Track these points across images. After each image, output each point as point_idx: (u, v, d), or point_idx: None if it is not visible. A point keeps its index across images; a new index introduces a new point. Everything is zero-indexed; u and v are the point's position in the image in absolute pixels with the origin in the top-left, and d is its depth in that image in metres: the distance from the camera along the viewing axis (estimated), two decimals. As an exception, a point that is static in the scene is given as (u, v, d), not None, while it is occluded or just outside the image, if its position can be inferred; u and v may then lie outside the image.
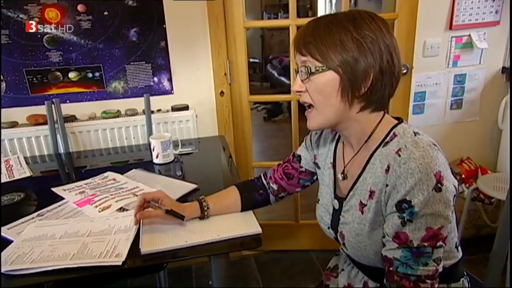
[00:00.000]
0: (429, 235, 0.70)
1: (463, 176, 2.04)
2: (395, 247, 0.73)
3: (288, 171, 1.05)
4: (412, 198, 0.69)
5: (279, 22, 5.04)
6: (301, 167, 1.04)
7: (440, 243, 0.71)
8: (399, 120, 0.83)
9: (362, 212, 0.81)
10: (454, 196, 0.72)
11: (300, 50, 0.78)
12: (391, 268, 0.74)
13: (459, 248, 0.86)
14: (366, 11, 0.78)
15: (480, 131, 2.09)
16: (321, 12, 6.54)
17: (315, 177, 1.04)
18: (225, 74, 1.86)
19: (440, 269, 0.73)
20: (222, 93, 1.89)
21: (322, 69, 0.76)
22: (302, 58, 0.78)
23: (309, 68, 0.77)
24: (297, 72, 0.81)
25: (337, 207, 0.90)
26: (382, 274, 0.82)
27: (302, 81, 0.80)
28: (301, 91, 0.81)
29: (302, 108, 0.88)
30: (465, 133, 2.07)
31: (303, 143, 1.06)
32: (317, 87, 0.78)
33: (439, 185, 0.68)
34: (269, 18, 7.04)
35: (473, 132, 2.08)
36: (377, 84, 0.76)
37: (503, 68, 1.96)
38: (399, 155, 0.73)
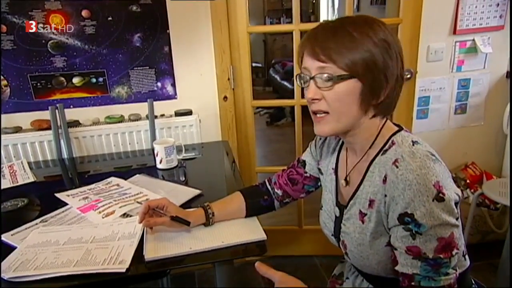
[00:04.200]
0: (441, 244, 0.68)
1: (468, 181, 2.03)
2: (411, 261, 0.70)
3: (292, 176, 1.05)
4: (414, 211, 0.68)
5: (283, 27, 5.06)
6: (306, 172, 1.03)
7: (455, 250, 0.69)
8: (399, 128, 0.82)
9: (363, 222, 0.80)
10: (457, 203, 0.71)
11: (317, 55, 0.73)
12: (412, 283, 0.71)
13: (467, 256, 0.84)
14: (370, 16, 0.76)
15: (484, 136, 2.07)
16: (323, 17, 6.55)
17: (319, 183, 1.03)
18: (229, 79, 1.86)
19: (457, 274, 0.72)
20: (225, 98, 1.89)
21: (346, 76, 0.72)
22: (319, 64, 0.73)
23: (332, 76, 0.72)
24: (311, 78, 0.75)
25: (338, 214, 0.89)
26: (387, 283, 0.80)
27: (319, 88, 0.74)
28: (316, 99, 0.76)
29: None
30: (469, 138, 2.06)
31: (308, 149, 1.05)
32: (338, 95, 0.73)
33: (440, 195, 0.67)
34: (271, 23, 7.06)
35: (478, 137, 2.07)
36: (393, 92, 0.76)
37: (508, 72, 1.95)
38: (396, 166, 0.71)
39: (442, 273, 0.69)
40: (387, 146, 0.78)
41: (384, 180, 0.74)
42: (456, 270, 0.71)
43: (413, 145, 0.75)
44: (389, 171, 0.73)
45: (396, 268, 0.73)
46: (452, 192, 0.69)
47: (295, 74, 1.91)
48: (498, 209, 2.03)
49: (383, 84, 0.74)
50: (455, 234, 0.69)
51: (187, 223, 0.94)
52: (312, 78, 0.75)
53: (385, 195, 0.73)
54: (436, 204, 0.67)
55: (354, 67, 0.71)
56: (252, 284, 1.99)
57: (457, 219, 0.70)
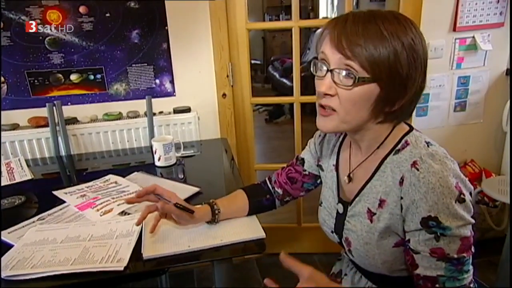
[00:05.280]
0: (464, 243, 0.68)
1: (467, 179, 2.02)
2: (436, 263, 0.69)
3: (291, 175, 1.04)
4: (438, 214, 0.67)
5: (283, 24, 5.04)
6: (305, 170, 1.03)
7: (472, 248, 0.70)
8: (410, 127, 0.80)
9: (371, 221, 0.79)
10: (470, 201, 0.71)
11: (342, 48, 0.67)
12: (436, 285, 0.70)
13: None
14: (400, 13, 0.71)
15: (484, 133, 2.07)
16: (323, 13, 6.52)
17: (318, 181, 1.03)
18: (227, 76, 1.85)
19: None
20: (224, 95, 1.88)
21: (368, 80, 0.67)
22: (342, 58, 0.68)
23: (354, 75, 0.67)
24: (329, 70, 0.70)
25: (341, 211, 0.88)
26: (386, 280, 0.80)
27: (335, 83, 0.70)
28: (329, 94, 0.71)
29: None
30: (469, 135, 2.06)
31: (307, 146, 1.04)
32: (353, 97, 0.69)
33: (461, 196, 0.67)
34: (270, 20, 7.03)
35: (477, 134, 2.06)
36: (409, 103, 0.72)
37: (507, 70, 1.94)
38: (417, 169, 0.69)
39: (465, 271, 0.69)
40: (399, 146, 0.76)
41: (401, 182, 0.72)
42: (472, 266, 0.71)
43: (428, 146, 0.73)
44: (407, 173, 0.71)
45: (417, 271, 0.72)
46: (468, 192, 0.70)
47: (295, 69, 1.91)
48: (497, 206, 2.04)
49: (401, 93, 0.70)
50: (471, 231, 0.70)
51: (191, 211, 0.91)
52: (331, 71, 0.70)
53: (401, 198, 0.72)
54: (459, 206, 0.67)
55: (377, 69, 0.66)
56: (251, 282, 1.99)
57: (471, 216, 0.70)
